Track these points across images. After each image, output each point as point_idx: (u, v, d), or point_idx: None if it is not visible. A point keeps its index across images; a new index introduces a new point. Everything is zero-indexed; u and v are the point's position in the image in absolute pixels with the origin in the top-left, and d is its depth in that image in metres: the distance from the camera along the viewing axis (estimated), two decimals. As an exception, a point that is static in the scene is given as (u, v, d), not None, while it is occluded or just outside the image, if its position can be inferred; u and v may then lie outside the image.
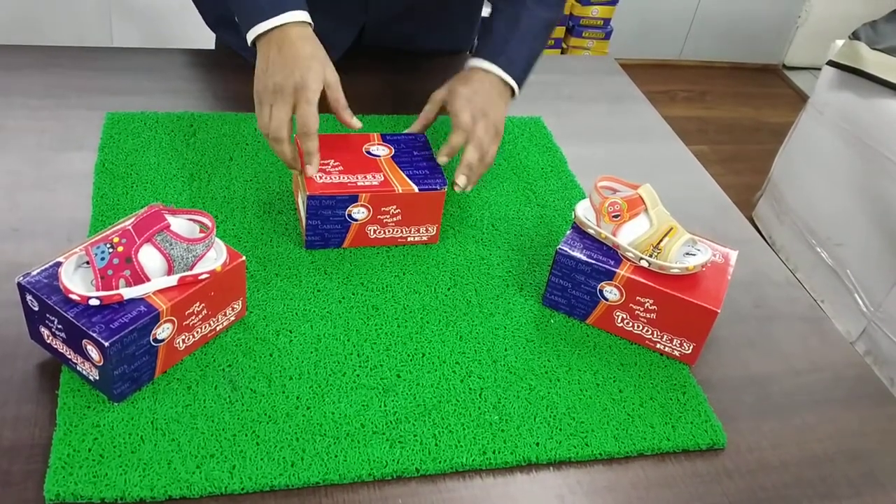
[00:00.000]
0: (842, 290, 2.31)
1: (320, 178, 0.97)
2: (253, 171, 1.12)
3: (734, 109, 3.41)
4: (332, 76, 0.97)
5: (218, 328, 0.88)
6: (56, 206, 1.02)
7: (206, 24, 1.34)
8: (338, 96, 0.98)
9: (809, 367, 0.99)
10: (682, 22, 3.51)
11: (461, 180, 1.02)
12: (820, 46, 3.14)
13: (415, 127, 1.08)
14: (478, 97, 1.05)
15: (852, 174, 2.29)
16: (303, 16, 0.99)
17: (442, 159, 1.03)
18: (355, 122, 1.00)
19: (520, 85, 1.12)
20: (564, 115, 1.38)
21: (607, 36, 3.19)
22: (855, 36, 2.29)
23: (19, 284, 0.79)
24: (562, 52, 3.22)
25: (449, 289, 1.00)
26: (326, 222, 0.98)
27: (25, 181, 1.05)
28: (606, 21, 3.15)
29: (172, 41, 1.41)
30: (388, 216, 0.99)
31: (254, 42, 0.99)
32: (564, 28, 3.16)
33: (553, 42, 3.17)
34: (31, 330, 0.83)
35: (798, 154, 2.53)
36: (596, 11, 3.11)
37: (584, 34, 3.15)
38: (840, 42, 2.35)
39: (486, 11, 1.24)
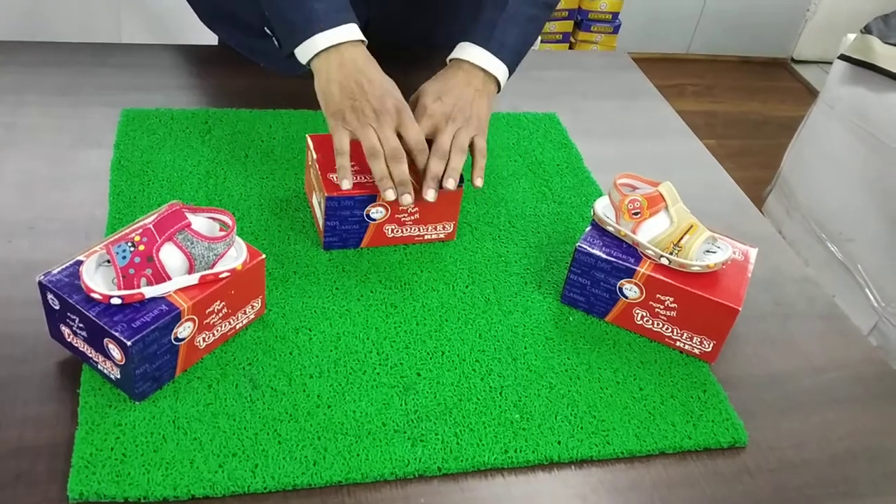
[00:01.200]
0: (853, 285, 2.30)
1: (336, 178, 0.96)
2: (269, 169, 1.12)
3: (742, 103, 3.40)
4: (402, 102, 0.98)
5: (238, 326, 0.88)
6: (72, 203, 1.02)
7: (201, 19, 1.32)
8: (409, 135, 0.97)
9: (829, 365, 0.99)
10: (690, 15, 3.50)
11: (450, 183, 0.98)
12: (829, 40, 3.13)
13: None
14: (460, 103, 1.02)
15: (863, 169, 2.28)
16: (359, 33, 0.99)
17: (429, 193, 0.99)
18: (406, 199, 0.96)
19: (511, 70, 1.08)
20: (579, 111, 1.37)
21: (616, 30, 3.17)
22: (867, 30, 2.28)
23: (40, 283, 0.79)
24: (570, 47, 3.21)
25: (467, 286, 0.99)
26: (345, 223, 0.97)
27: (41, 179, 1.05)
28: (615, 15, 3.14)
29: (181, 36, 1.41)
30: (405, 215, 0.99)
31: (311, 57, 0.98)
32: (573, 22, 3.15)
33: (561, 36, 3.16)
34: (51, 328, 0.83)
35: (808, 149, 2.52)
36: (604, 5, 3.10)
37: (592, 28, 3.14)
38: (852, 36, 2.34)
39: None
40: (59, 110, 1.18)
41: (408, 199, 0.94)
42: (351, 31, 0.98)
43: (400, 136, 0.96)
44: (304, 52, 0.99)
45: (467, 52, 1.07)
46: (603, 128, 1.35)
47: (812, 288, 1.10)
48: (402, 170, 0.94)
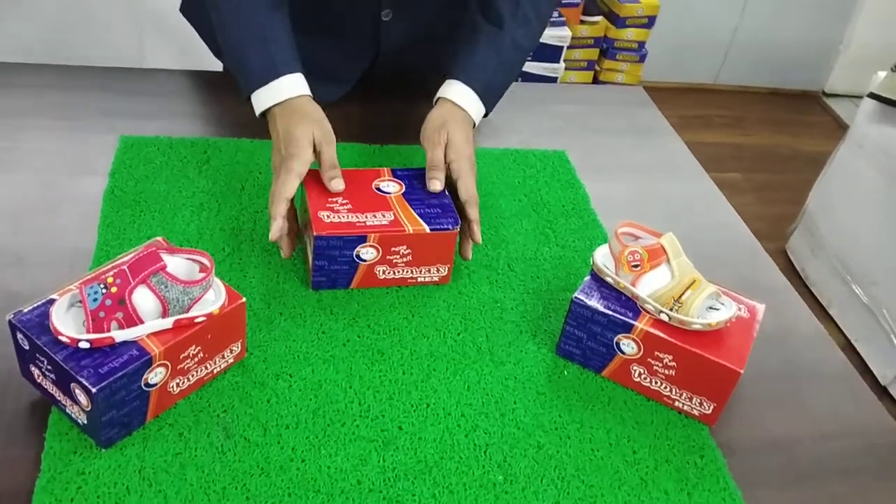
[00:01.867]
0: (877, 330, 2.23)
1: (328, 217, 0.93)
2: (264, 202, 1.09)
3: (770, 136, 3.34)
4: (324, 136, 0.98)
5: (215, 371, 0.85)
6: (61, 233, 1.00)
7: (212, 52, 1.32)
8: (323, 158, 0.98)
9: (840, 432, 0.93)
10: (719, 45, 3.45)
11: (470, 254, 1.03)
12: (862, 74, 3.06)
13: (441, 178, 1.03)
14: (471, 150, 1.03)
15: (891, 210, 2.21)
16: (295, 85, 1.00)
17: (477, 238, 1.01)
18: (335, 185, 0.98)
19: (488, 110, 1.10)
20: (590, 148, 1.33)
21: (642, 59, 3.13)
22: (897, 68, 2.22)
23: (10, 322, 0.77)
24: (595, 75, 3.17)
25: (459, 333, 0.95)
26: (334, 263, 0.94)
27: (32, 206, 1.03)
28: (641, 44, 3.10)
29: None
30: (397, 256, 0.96)
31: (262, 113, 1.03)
32: (598, 50, 3.11)
33: (586, 64, 3.12)
34: (22, 368, 0.80)
35: (835, 186, 2.46)
36: (630, 34, 3.06)
37: (617, 56, 3.10)
38: (882, 73, 2.27)
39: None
40: (58, 134, 1.16)
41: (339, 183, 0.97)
42: (278, 92, 1.00)
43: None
44: (257, 105, 1.03)
45: (458, 91, 1.07)
46: (614, 166, 1.31)
47: (825, 345, 1.05)
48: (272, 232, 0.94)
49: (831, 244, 2.42)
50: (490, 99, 1.09)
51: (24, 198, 1.05)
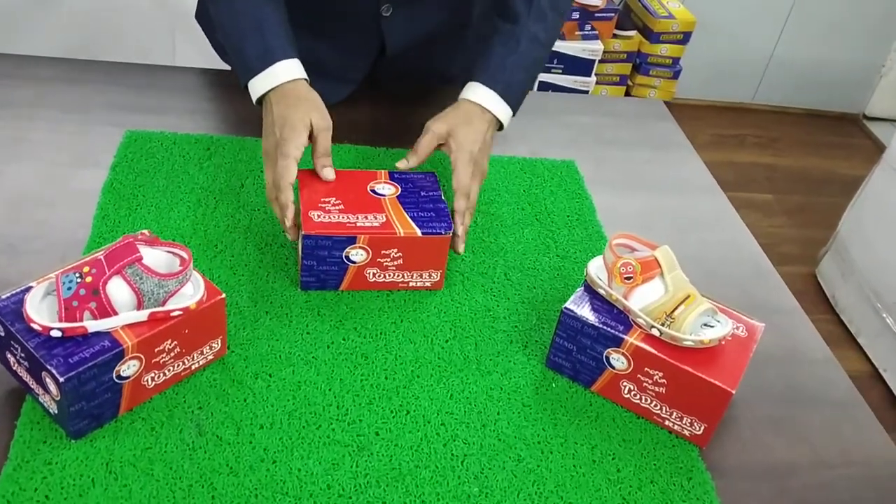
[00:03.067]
0: (907, 360, 2.15)
1: (318, 216, 0.92)
2: (262, 200, 1.08)
3: (806, 158, 3.26)
4: (321, 121, 0.97)
5: (193, 367, 0.84)
6: (57, 223, 1.00)
7: (219, 55, 1.33)
8: (318, 145, 0.97)
9: (840, 461, 0.89)
10: (756, 64, 3.39)
11: (461, 248, 1.03)
12: (903, 98, 2.99)
13: (411, 160, 1.03)
14: (476, 146, 1.02)
15: (925, 237, 2.13)
16: (290, 70, 0.99)
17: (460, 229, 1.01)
18: (326, 174, 0.98)
19: (514, 111, 1.09)
20: (601, 159, 1.31)
21: (676, 75, 3.08)
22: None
23: (-14, 308, 0.76)
24: (627, 90, 3.13)
25: (447, 340, 0.93)
26: (323, 263, 0.93)
27: (32, 196, 1.04)
28: (675, 60, 3.05)
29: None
30: (388, 259, 0.94)
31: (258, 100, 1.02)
32: (631, 65, 3.07)
33: (618, 79, 3.08)
34: None
35: (868, 211, 2.39)
36: (665, 50, 3.01)
37: (651, 72, 3.06)
38: (920, 96, 2.21)
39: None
40: (66, 127, 1.17)
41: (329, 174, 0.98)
42: (271, 78, 0.99)
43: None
44: (253, 91, 1.02)
45: (478, 93, 1.06)
46: (624, 179, 1.28)
47: (831, 370, 1.01)
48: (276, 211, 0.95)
49: (862, 270, 2.35)
50: (512, 97, 1.07)
51: (26, 188, 1.05)
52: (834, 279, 2.48)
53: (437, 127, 1.03)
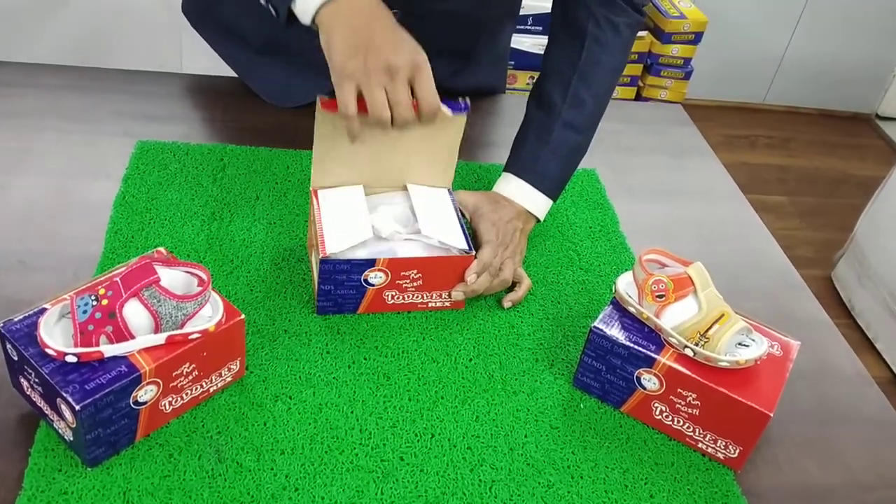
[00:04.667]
0: (926, 366, 2.12)
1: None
2: (278, 214, 1.05)
3: (819, 159, 3.23)
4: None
5: (212, 390, 0.81)
6: (68, 238, 0.98)
7: (201, 34, 1.29)
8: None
9: (878, 483, 0.86)
10: (768, 64, 3.35)
11: (455, 294, 0.94)
12: (918, 98, 2.95)
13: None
14: (502, 223, 0.99)
15: (945, 241, 2.10)
16: None
17: (457, 293, 0.94)
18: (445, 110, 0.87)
19: (554, 198, 1.06)
20: (621, 168, 1.28)
21: (687, 76, 3.05)
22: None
23: (-1, 332, 0.74)
24: (637, 91, 3.10)
25: (471, 359, 0.91)
26: (340, 287, 0.90)
27: (41, 210, 1.01)
28: (687, 60, 3.02)
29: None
30: (407, 281, 0.91)
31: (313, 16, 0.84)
32: (642, 66, 3.04)
33: (629, 80, 3.05)
34: (12, 378, 0.78)
35: (885, 213, 2.35)
36: (676, 50, 2.98)
37: (662, 73, 3.02)
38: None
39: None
40: (75, 137, 1.14)
41: None
42: None
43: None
44: (304, 8, 0.84)
45: (510, 187, 1.04)
46: (646, 187, 1.25)
47: (865, 387, 0.98)
48: (404, 128, 0.83)
49: (880, 274, 2.32)
50: (548, 187, 1.04)
51: (34, 201, 1.02)
52: (850, 283, 2.45)
53: (462, 196, 1.01)
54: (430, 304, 0.94)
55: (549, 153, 1.03)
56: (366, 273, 0.88)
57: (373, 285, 0.90)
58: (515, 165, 1.05)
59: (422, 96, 0.83)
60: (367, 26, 0.82)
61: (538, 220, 1.05)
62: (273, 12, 0.89)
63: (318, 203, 0.93)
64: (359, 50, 0.81)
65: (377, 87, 0.81)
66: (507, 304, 0.97)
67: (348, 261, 0.87)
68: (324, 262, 0.87)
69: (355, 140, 0.84)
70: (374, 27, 0.82)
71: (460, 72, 1.24)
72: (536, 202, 1.03)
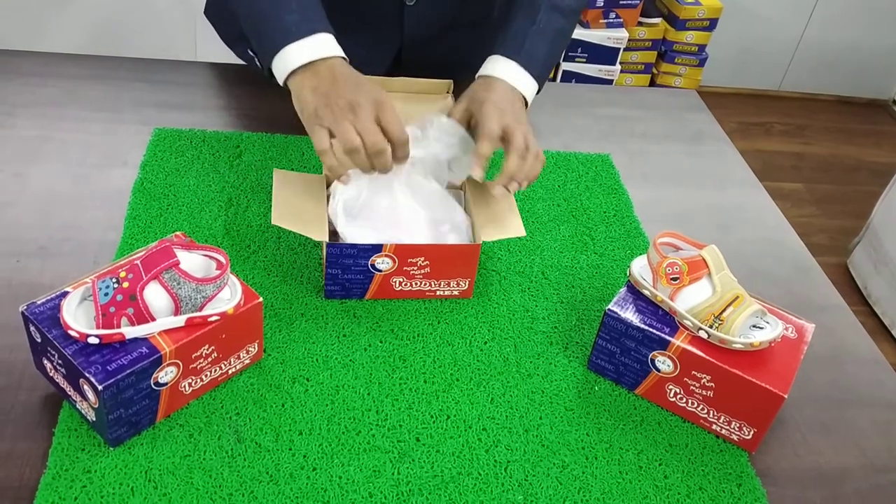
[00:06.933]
0: (942, 352, 2.11)
1: None
2: (294, 199, 1.06)
3: (835, 146, 3.21)
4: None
5: (230, 371, 0.82)
6: (87, 225, 0.99)
7: (223, 40, 1.30)
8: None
9: (891, 464, 0.86)
10: (783, 51, 3.33)
11: (497, 191, 0.92)
12: (935, 84, 2.92)
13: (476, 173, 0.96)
14: (503, 103, 0.96)
15: (962, 227, 2.09)
16: (337, 48, 0.92)
17: (477, 172, 0.92)
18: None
19: (539, 84, 1.03)
20: (636, 153, 1.28)
21: (701, 63, 3.04)
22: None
23: (23, 314, 0.75)
24: (651, 78, 3.09)
25: (486, 342, 0.91)
26: (347, 272, 0.90)
27: (61, 197, 1.03)
28: (701, 47, 3.01)
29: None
30: (415, 268, 0.91)
31: (286, 75, 0.91)
32: (656, 53, 3.03)
33: (643, 67, 3.04)
34: (35, 360, 0.79)
35: (902, 200, 2.34)
36: (690, 37, 2.97)
37: (676, 60, 3.01)
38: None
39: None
40: (94, 126, 1.16)
41: None
42: (324, 46, 0.90)
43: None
44: (278, 72, 0.91)
45: (498, 67, 1.00)
46: (661, 173, 1.25)
47: (881, 371, 0.98)
48: (385, 162, 0.86)
49: (896, 261, 2.31)
50: (535, 69, 1.01)
51: (55, 188, 1.04)
52: (866, 270, 2.44)
53: (456, 109, 0.98)
54: (437, 293, 0.95)
55: (537, 33, 1.01)
56: (373, 258, 0.89)
57: (380, 271, 0.91)
58: (503, 45, 1.01)
59: (388, 128, 0.86)
60: (329, 79, 0.89)
61: (526, 103, 1.01)
62: (258, 65, 0.92)
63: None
64: (324, 97, 0.87)
65: (343, 121, 0.85)
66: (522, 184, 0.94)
67: (354, 245, 0.88)
68: (331, 245, 0.88)
69: (344, 175, 0.88)
70: (336, 78, 0.88)
71: (478, 44, 1.24)
72: (525, 83, 1.00)
